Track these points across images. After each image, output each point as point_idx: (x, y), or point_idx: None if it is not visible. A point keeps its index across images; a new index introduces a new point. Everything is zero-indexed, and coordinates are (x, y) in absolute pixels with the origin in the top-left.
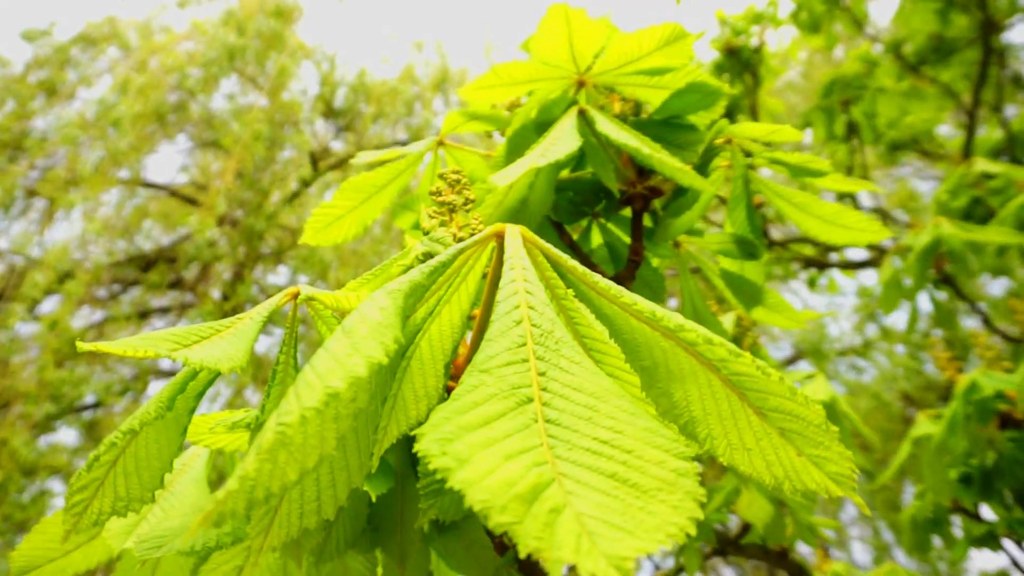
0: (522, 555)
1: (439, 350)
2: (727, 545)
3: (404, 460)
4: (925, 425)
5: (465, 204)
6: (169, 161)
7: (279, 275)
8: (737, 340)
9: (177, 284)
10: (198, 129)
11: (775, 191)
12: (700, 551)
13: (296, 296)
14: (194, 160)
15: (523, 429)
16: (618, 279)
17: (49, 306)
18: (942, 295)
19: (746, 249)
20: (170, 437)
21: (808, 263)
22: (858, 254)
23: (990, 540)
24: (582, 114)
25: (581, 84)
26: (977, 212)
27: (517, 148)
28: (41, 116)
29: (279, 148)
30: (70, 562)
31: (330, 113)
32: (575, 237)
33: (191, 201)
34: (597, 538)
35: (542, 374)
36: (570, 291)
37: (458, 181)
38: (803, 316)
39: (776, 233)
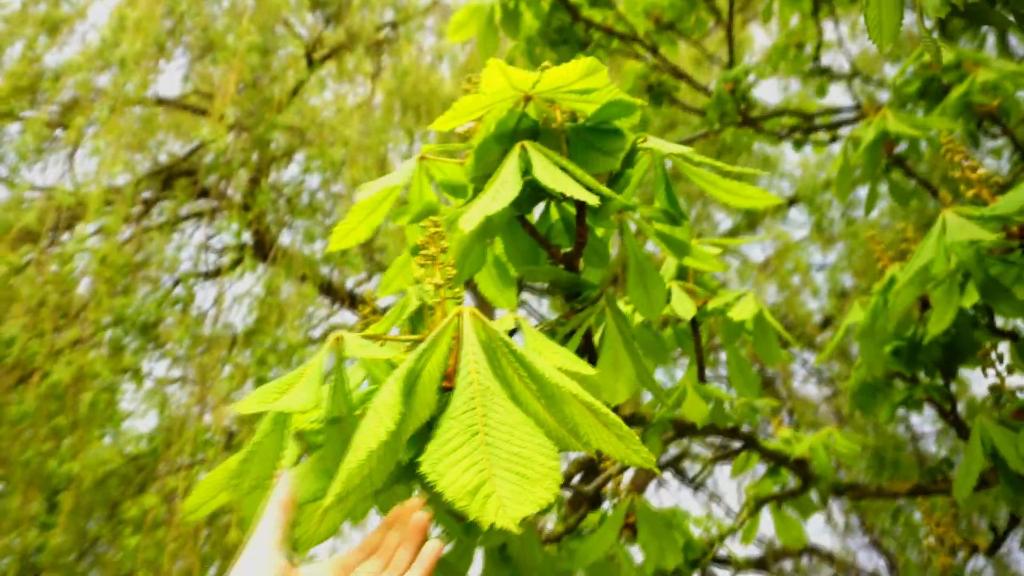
0: (469, 519)
1: (431, 379)
2: (684, 429)
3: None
4: (857, 312)
5: (443, 251)
6: (172, 76)
7: (292, 171)
8: (683, 276)
9: (201, 194)
10: (195, 39)
11: (691, 171)
12: (659, 437)
13: (339, 339)
14: (194, 71)
15: (473, 451)
16: (571, 256)
17: (92, 230)
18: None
19: (670, 218)
20: (277, 443)
21: (792, 130)
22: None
23: (914, 403)
24: (523, 151)
25: (528, 99)
26: (933, 89)
27: (481, 157)
28: (49, 52)
29: (273, 53)
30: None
31: (317, 4)
32: (534, 217)
33: (199, 111)
34: (507, 509)
35: (484, 415)
36: (506, 350)
37: (436, 233)
38: (720, 267)
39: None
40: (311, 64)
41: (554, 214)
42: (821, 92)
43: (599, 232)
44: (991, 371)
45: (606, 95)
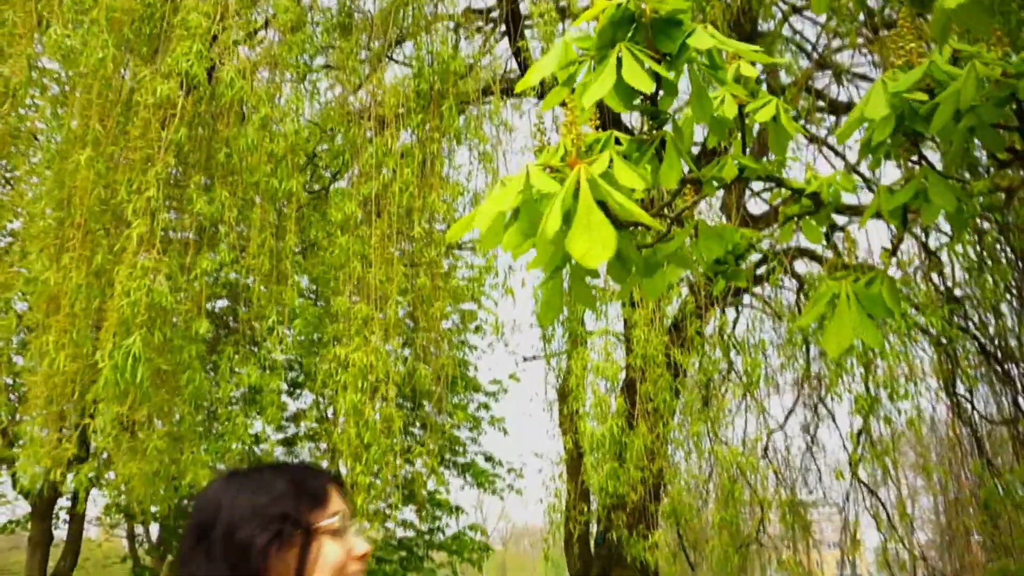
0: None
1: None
2: (734, 181)
3: None
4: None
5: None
6: None
7: None
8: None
9: None
10: None
11: (723, 41)
12: (714, 188)
13: (529, 170)
14: None
15: (584, 233)
16: (653, 95)
17: None
18: None
19: (713, 61)
20: (503, 214)
21: None
22: None
23: None
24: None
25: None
26: None
27: (601, 36)
28: None
29: None
30: None
31: None
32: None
33: None
34: (593, 259)
35: (587, 215)
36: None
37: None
38: (752, 72)
39: None
40: None
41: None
42: None
43: (671, 77)
44: None
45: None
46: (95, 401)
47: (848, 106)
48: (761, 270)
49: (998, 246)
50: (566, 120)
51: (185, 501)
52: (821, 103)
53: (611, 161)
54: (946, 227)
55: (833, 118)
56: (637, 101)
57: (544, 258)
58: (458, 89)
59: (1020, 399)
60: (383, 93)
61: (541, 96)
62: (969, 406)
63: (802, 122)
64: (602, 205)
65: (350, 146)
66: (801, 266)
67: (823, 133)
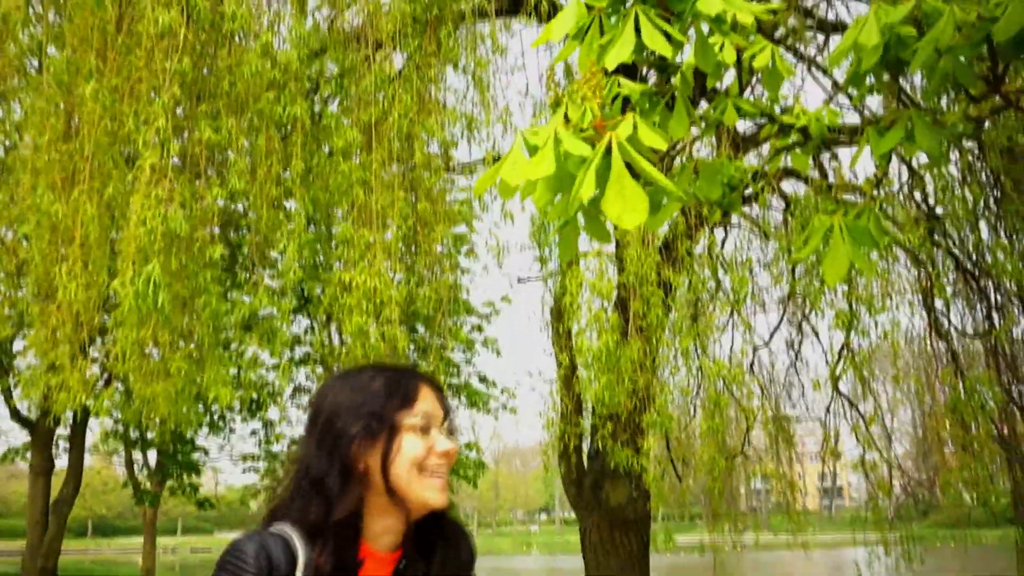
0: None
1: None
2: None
3: None
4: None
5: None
6: None
7: None
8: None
9: None
10: None
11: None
12: (714, 127)
13: (558, 133)
14: None
15: (616, 198)
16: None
17: None
18: None
19: (719, 20)
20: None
21: None
22: None
23: None
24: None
25: None
26: None
27: None
28: None
29: None
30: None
31: None
32: None
33: None
34: (629, 221)
35: (620, 179)
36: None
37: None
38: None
39: None
40: None
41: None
42: None
43: (684, 39)
44: None
45: None
46: (113, 328)
47: (835, 26)
48: (749, 191)
49: (978, 164)
50: (589, 84)
51: None
52: (810, 21)
53: (635, 126)
54: None
55: (822, 36)
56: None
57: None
58: (453, 12)
59: (994, 314)
60: (373, 15)
61: (539, 21)
62: (946, 321)
63: (791, 41)
64: (627, 164)
65: (348, 71)
66: (788, 186)
67: (812, 52)
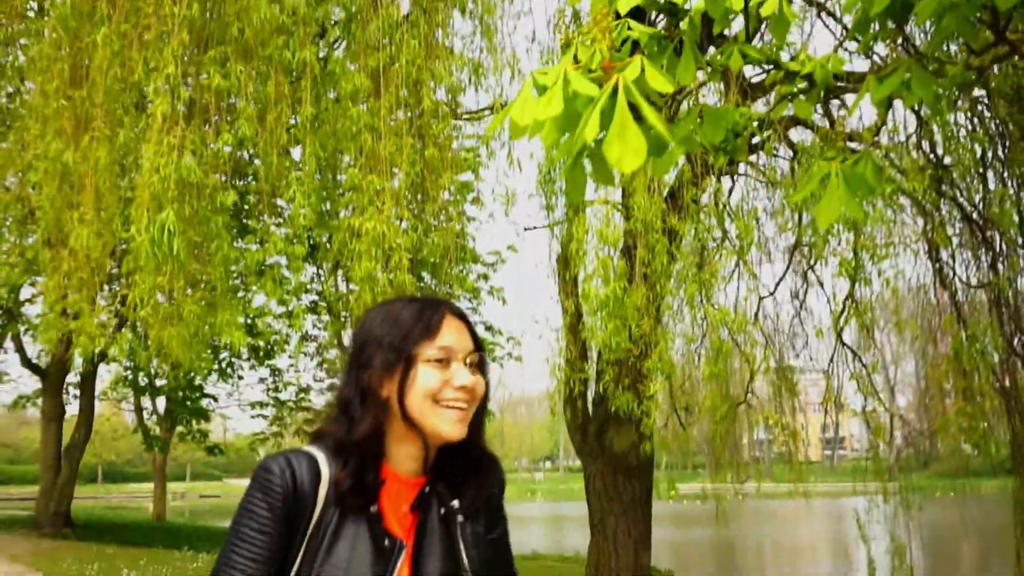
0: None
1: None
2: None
3: None
4: None
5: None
6: None
7: None
8: None
9: None
10: None
11: None
12: (719, 74)
13: (567, 74)
14: None
15: (616, 141)
16: None
17: None
18: None
19: None
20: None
21: None
22: None
23: None
24: None
25: None
26: None
27: None
28: None
29: None
30: None
31: None
32: None
33: None
34: (628, 164)
35: (622, 122)
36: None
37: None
38: None
39: None
40: None
41: None
42: None
43: None
44: None
45: None
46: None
47: None
48: (756, 139)
49: (987, 113)
50: (600, 25)
51: None
52: None
53: (643, 69)
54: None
55: None
56: None
57: (575, 150)
58: None
59: (999, 263)
60: None
61: None
62: (951, 271)
63: None
64: (632, 106)
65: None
66: (796, 135)
67: None
